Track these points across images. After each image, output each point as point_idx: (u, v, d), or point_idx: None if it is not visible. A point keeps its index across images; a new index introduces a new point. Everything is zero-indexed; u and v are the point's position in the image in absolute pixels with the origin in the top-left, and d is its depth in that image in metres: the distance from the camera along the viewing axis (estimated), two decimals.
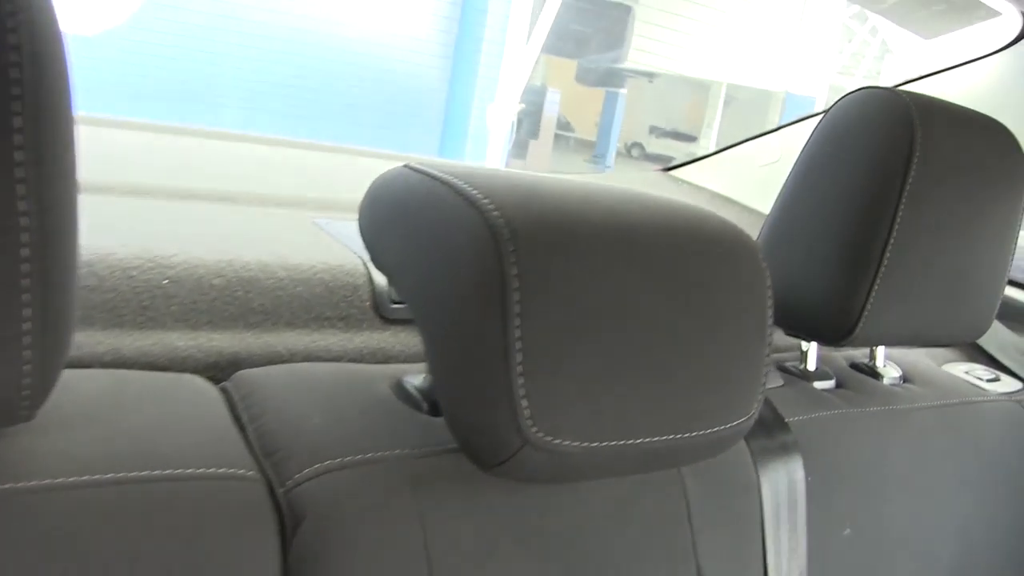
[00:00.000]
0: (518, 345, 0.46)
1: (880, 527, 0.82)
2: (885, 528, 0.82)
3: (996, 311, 0.88)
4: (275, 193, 0.95)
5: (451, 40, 6.08)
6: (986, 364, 1.11)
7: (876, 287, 0.75)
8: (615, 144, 10.33)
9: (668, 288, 0.51)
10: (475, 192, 0.49)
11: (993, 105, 0.91)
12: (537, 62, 6.13)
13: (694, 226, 0.55)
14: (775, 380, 0.83)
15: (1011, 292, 1.22)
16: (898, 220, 0.74)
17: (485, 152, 5.86)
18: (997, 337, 1.15)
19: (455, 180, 0.51)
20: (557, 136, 9.21)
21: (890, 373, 0.93)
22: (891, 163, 0.75)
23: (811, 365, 0.87)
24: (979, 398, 0.97)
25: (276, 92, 5.72)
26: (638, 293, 0.50)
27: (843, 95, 0.82)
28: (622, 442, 0.50)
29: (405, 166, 0.57)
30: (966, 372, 1.06)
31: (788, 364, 0.88)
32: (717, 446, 0.56)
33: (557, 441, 0.48)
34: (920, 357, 1.07)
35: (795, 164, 0.82)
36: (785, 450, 0.73)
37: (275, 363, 0.69)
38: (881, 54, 11.85)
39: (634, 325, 0.50)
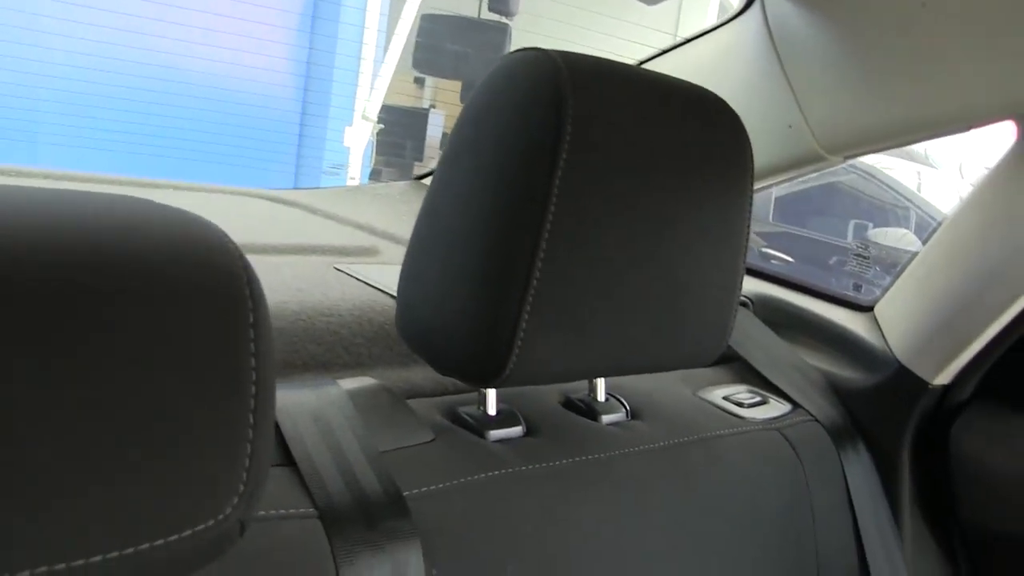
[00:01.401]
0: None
1: None
2: None
3: (730, 327, 0.70)
4: None
5: (302, 66, 5.82)
6: (758, 384, 0.95)
7: (527, 310, 0.56)
8: None
9: None
10: None
11: (714, 82, 0.74)
12: (423, 84, 5.97)
13: None
14: (421, 434, 0.63)
15: (782, 294, 1.07)
16: (549, 221, 0.56)
17: (345, 177, 5.61)
18: (770, 352, 0.99)
19: None
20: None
21: (612, 410, 0.75)
22: (535, 149, 0.56)
23: (491, 410, 0.68)
24: (727, 430, 0.80)
25: (113, 130, 5.36)
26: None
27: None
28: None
29: None
30: (724, 397, 0.88)
31: (465, 410, 0.69)
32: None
33: None
34: (671, 382, 0.89)
35: (440, 161, 0.63)
36: (390, 537, 0.54)
37: None
38: None
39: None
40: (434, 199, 0.62)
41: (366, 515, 0.54)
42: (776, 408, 0.89)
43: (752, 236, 0.72)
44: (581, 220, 0.57)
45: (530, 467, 0.64)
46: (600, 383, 0.76)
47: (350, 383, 0.66)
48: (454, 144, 0.61)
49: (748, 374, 0.96)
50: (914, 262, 0.96)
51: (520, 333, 0.57)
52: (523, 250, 0.56)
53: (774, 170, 0.99)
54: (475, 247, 0.58)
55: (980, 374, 0.93)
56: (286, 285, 0.84)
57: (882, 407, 0.93)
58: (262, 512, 0.50)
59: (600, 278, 0.60)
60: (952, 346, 0.89)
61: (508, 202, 0.57)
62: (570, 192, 0.56)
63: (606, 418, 0.74)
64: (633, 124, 0.60)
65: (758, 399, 0.90)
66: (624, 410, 0.76)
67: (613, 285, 0.60)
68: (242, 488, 0.37)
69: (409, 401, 0.69)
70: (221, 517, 0.36)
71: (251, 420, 0.37)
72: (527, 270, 0.56)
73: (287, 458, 0.56)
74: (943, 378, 0.91)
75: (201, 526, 0.35)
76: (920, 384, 0.91)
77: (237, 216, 1.12)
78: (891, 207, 3.51)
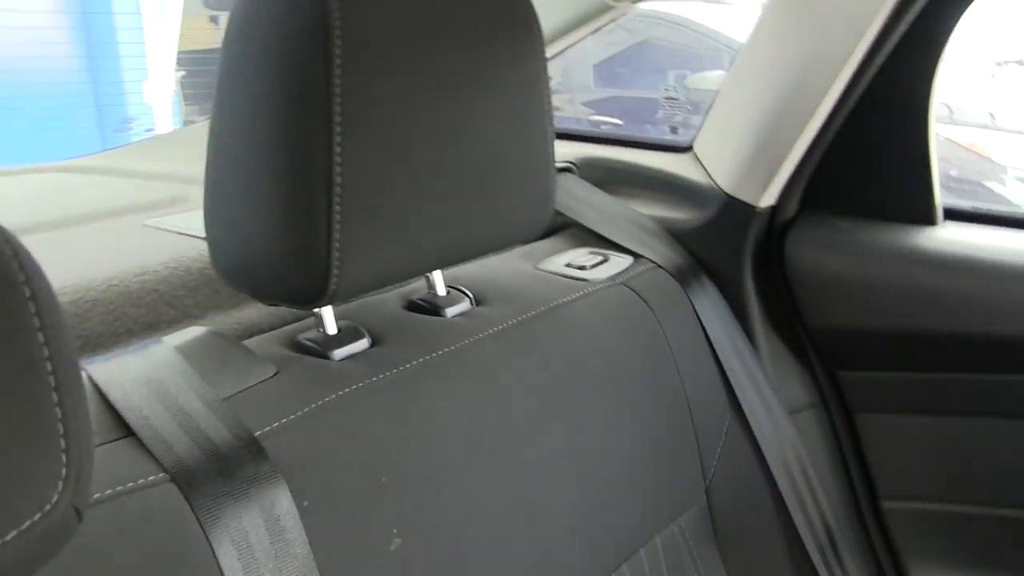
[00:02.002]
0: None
1: (469, 503, 0.63)
2: (475, 504, 0.64)
3: (551, 195, 0.70)
4: None
5: (80, 30, 5.44)
6: (598, 244, 0.95)
7: (337, 219, 0.54)
8: None
9: None
10: None
11: None
12: (219, 22, 5.65)
13: None
14: (262, 371, 0.61)
15: (605, 152, 1.08)
16: (337, 121, 0.53)
17: (155, 126, 5.32)
18: (603, 211, 1.00)
19: None
20: None
21: (455, 301, 0.74)
22: (306, 48, 0.53)
23: (330, 329, 0.66)
24: (573, 295, 0.80)
25: None
26: None
27: None
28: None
29: None
30: (567, 264, 0.89)
31: (305, 336, 0.66)
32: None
33: None
34: (512, 262, 0.89)
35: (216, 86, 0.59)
36: (251, 482, 0.52)
37: None
38: None
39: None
40: (217, 126, 0.58)
41: (221, 467, 0.52)
42: (619, 263, 0.90)
43: (578, 106, 0.71)
44: (371, 113, 0.55)
45: (381, 376, 0.62)
46: (437, 277, 0.74)
47: (177, 337, 0.63)
48: (225, 63, 0.57)
49: (586, 237, 0.96)
50: (720, 95, 0.98)
51: (335, 244, 0.55)
52: (317, 156, 0.53)
53: (566, 27, 0.98)
54: (267, 165, 0.55)
55: (801, 188, 0.96)
56: (93, 255, 0.79)
57: (718, 239, 0.96)
58: (109, 491, 0.48)
59: (405, 170, 0.58)
60: (769, 167, 0.92)
61: (290, 111, 0.54)
62: (353, 86, 0.53)
63: (450, 311, 0.73)
64: (404, 1, 0.57)
65: (599, 259, 0.90)
66: (468, 299, 0.75)
67: (420, 174, 0.59)
68: (64, 472, 0.34)
69: (247, 341, 0.66)
70: (48, 508, 0.33)
71: (55, 399, 0.34)
72: (326, 177, 0.53)
73: (125, 430, 0.53)
74: (768, 199, 0.94)
75: (27, 522, 0.33)
76: (748, 210, 0.93)
77: (24, 197, 1.05)
78: (705, 52, 3.57)
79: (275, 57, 0.54)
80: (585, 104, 3.36)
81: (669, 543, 0.80)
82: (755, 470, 0.90)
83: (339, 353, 0.64)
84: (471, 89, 0.61)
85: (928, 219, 0.94)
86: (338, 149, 0.53)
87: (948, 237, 0.92)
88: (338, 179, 0.54)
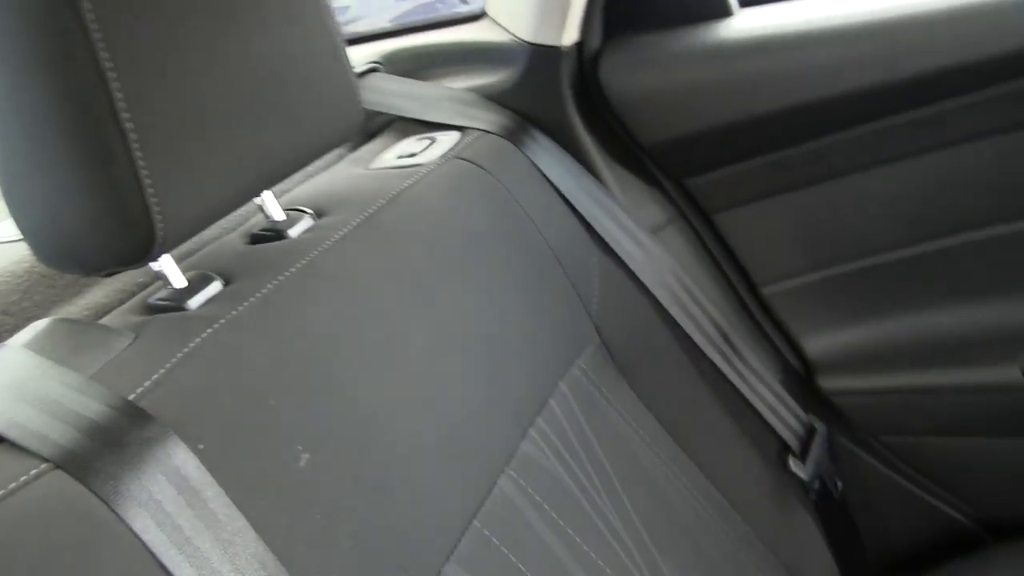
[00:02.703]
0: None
1: (367, 403, 0.63)
2: (374, 403, 0.64)
3: (357, 94, 0.69)
4: None
5: None
6: (424, 130, 0.95)
7: (142, 167, 0.52)
8: None
9: None
10: None
11: None
12: None
13: None
14: (122, 341, 0.59)
15: (407, 43, 1.07)
16: (106, 65, 0.50)
17: None
18: (420, 95, 0.99)
19: None
20: None
21: (296, 221, 0.73)
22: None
23: (177, 282, 0.64)
24: (410, 180, 0.80)
25: None
26: None
27: None
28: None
29: None
30: (398, 156, 0.88)
31: (156, 297, 0.65)
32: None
33: None
34: (344, 172, 0.88)
35: None
36: (144, 446, 0.51)
37: None
38: None
39: None
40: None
41: (106, 440, 0.50)
42: (447, 141, 0.89)
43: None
44: (141, 51, 0.52)
45: (241, 308, 0.61)
46: (271, 203, 0.73)
47: (21, 336, 0.61)
48: None
49: (411, 127, 0.96)
50: None
51: (148, 191, 0.53)
52: (99, 109, 0.51)
53: None
54: (51, 132, 0.52)
55: (599, 16, 0.97)
56: None
57: (535, 89, 0.96)
58: None
59: (196, 99, 0.56)
60: (561, 5, 0.92)
61: (55, 71, 0.51)
62: (113, 27, 0.51)
63: (294, 231, 0.72)
64: None
65: (428, 142, 0.90)
66: (308, 215, 0.74)
67: (213, 101, 0.57)
68: None
69: (102, 320, 0.64)
70: None
71: None
72: (116, 127, 0.51)
73: None
74: (570, 36, 0.94)
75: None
76: (554, 52, 0.94)
77: None
78: None
79: (18, 16, 0.51)
80: (392, 21, 3.30)
81: (575, 385, 0.83)
82: (636, 295, 0.93)
83: (194, 302, 0.63)
84: (242, 4, 0.59)
85: (724, 11, 0.96)
86: (119, 96, 0.51)
87: (746, 24, 0.94)
88: (129, 125, 0.51)
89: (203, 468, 0.52)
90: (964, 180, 0.97)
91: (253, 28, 0.60)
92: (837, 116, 0.92)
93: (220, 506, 0.52)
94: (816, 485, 1.01)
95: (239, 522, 0.52)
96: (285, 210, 0.74)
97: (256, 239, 0.73)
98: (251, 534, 0.52)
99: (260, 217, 0.75)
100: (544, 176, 0.90)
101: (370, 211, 0.74)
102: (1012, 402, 1.01)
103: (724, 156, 0.98)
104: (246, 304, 0.62)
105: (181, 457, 0.52)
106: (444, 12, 1.07)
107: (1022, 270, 1.01)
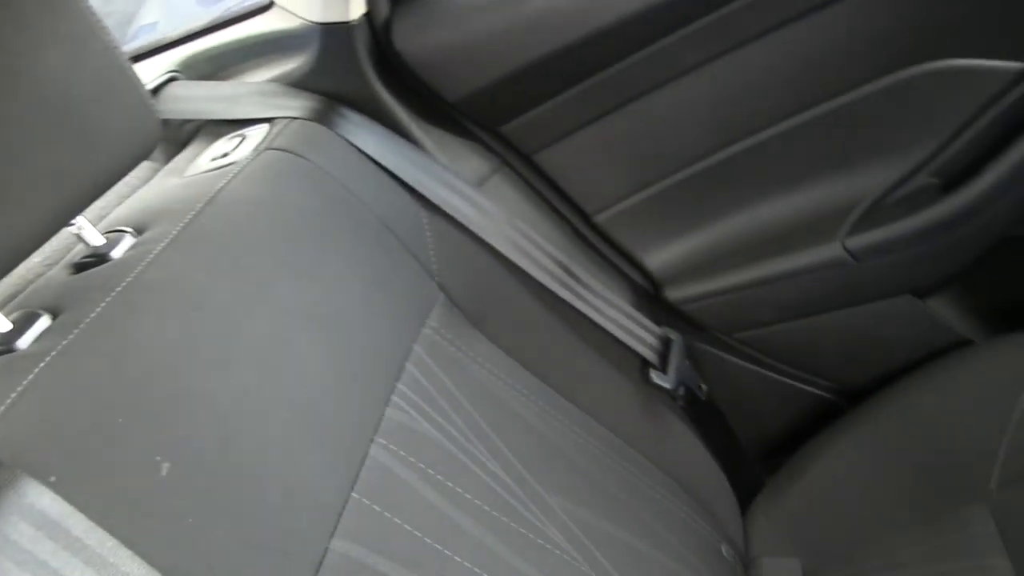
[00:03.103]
0: None
1: (220, 404, 0.64)
2: (227, 404, 0.64)
3: (153, 108, 0.68)
4: None
5: None
6: (228, 130, 0.94)
7: None
8: None
9: None
10: None
11: None
12: None
13: None
14: None
15: (202, 46, 1.05)
16: None
17: None
18: (223, 95, 0.98)
19: None
20: None
21: (117, 241, 0.72)
22: None
23: (3, 327, 0.63)
24: (227, 179, 0.80)
25: None
26: None
27: None
28: None
29: None
30: (211, 160, 0.88)
31: None
32: None
33: None
34: (158, 184, 0.87)
35: None
36: None
37: None
38: None
39: None
40: None
41: None
42: (257, 135, 0.89)
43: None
44: None
45: (72, 336, 0.61)
46: (86, 228, 0.72)
47: None
48: None
49: (220, 129, 0.95)
50: None
51: None
52: None
53: None
54: None
55: None
56: None
57: (335, 67, 0.96)
58: None
59: None
60: None
61: None
62: None
63: (116, 252, 0.71)
64: None
65: (238, 140, 0.90)
66: (128, 233, 0.74)
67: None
68: None
69: None
70: None
71: None
72: None
73: None
74: (357, 9, 0.94)
75: None
76: (344, 28, 0.94)
77: None
78: None
79: None
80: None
81: (429, 346, 0.85)
82: (473, 248, 0.95)
83: (23, 342, 0.62)
84: (3, 33, 0.58)
85: None
86: None
87: None
88: None
89: (59, 499, 0.52)
90: (760, 77, 1.02)
91: (22, 54, 0.58)
92: (628, 39, 0.96)
93: (85, 532, 0.52)
94: (681, 392, 1.07)
95: (109, 543, 0.52)
96: (104, 233, 0.73)
97: (79, 267, 0.72)
98: (125, 552, 0.52)
99: (81, 246, 0.74)
100: (360, 151, 0.91)
101: (189, 217, 0.74)
102: (838, 276, 1.09)
103: (530, 98, 1.00)
104: (76, 332, 0.61)
105: (34, 494, 0.51)
106: (233, 8, 1.06)
107: (826, 154, 1.08)
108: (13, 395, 0.56)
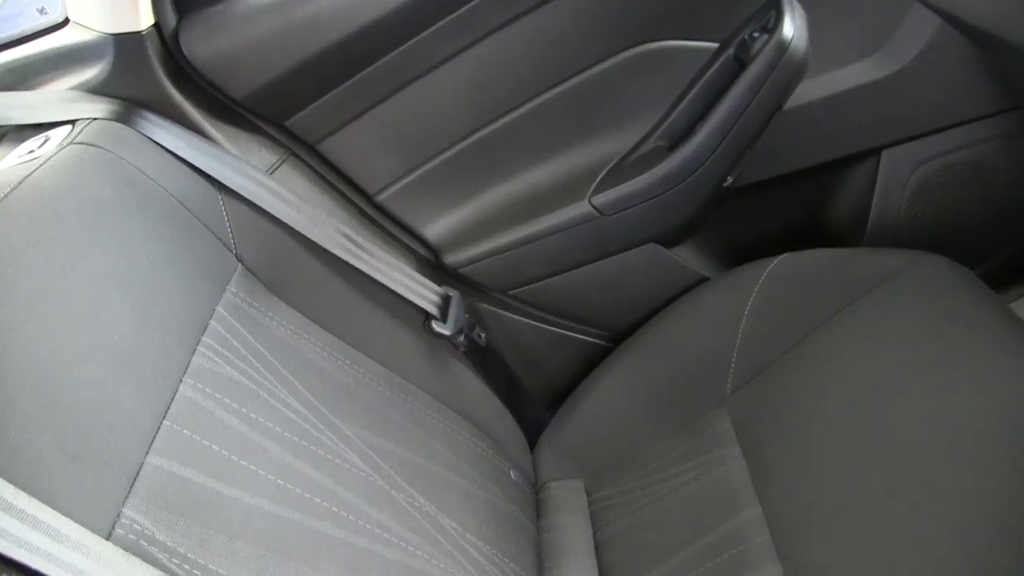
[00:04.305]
0: None
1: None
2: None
3: None
4: None
5: None
6: (31, 133, 1.03)
7: None
8: None
9: None
10: None
11: None
12: None
13: None
14: None
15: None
16: None
17: None
18: (26, 99, 1.07)
19: None
20: None
21: None
22: None
23: None
24: (31, 171, 0.89)
25: None
26: None
27: None
28: None
29: None
30: (17, 157, 0.96)
31: None
32: None
33: None
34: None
35: None
36: None
37: None
38: None
39: None
40: None
41: None
42: (60, 133, 0.97)
43: None
44: None
45: None
46: None
47: None
48: None
49: (25, 132, 1.02)
50: None
51: None
52: None
53: None
54: None
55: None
56: None
57: (132, 73, 1.06)
58: None
59: None
60: None
61: None
62: None
63: None
64: None
65: (43, 139, 0.97)
66: None
67: None
68: None
69: None
70: None
71: None
72: None
73: None
74: (146, 20, 1.04)
75: None
76: (135, 38, 1.03)
77: None
78: None
79: None
80: None
81: (232, 308, 0.95)
82: (267, 226, 1.07)
83: None
84: None
85: None
86: None
87: None
88: None
89: None
90: (508, 63, 1.21)
91: None
92: (390, 35, 1.12)
93: None
94: (461, 338, 1.23)
95: None
96: None
97: None
98: None
99: None
100: (158, 145, 1.02)
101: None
102: (590, 230, 1.28)
103: (309, 92, 1.15)
104: None
105: None
106: (26, 27, 1.14)
107: (573, 126, 1.28)
108: None
